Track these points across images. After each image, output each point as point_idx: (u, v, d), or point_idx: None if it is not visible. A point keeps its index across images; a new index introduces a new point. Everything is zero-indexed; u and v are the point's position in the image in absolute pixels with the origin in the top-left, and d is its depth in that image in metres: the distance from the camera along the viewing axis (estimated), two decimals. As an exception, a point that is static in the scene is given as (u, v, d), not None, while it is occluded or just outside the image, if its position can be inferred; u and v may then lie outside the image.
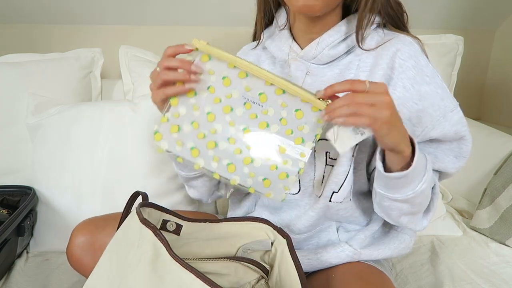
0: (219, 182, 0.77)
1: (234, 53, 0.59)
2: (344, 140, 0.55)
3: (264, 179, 0.60)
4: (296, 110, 0.58)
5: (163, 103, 0.58)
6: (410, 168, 0.55)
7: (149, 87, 0.59)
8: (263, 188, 0.60)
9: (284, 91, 0.57)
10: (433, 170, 0.68)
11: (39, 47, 1.39)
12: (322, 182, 0.69)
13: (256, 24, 0.77)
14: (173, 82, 0.56)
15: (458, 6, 1.50)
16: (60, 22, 1.39)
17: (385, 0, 0.66)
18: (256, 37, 0.78)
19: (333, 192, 0.68)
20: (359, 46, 0.65)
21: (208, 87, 0.58)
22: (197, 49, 0.56)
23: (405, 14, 0.69)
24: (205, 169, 0.60)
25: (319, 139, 0.62)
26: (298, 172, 0.60)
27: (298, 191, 0.72)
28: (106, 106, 1.01)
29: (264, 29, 0.75)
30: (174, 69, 0.55)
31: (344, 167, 0.65)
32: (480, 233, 1.06)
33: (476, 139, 1.24)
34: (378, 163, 0.58)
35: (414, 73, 0.63)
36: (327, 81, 0.67)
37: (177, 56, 0.57)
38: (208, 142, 0.59)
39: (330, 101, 0.54)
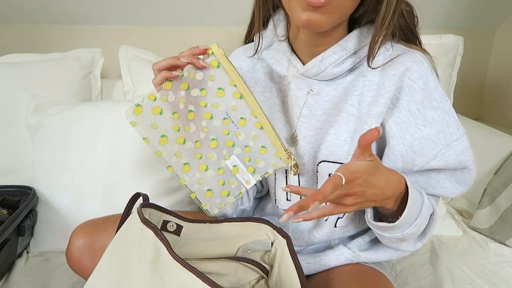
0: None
1: (228, 54, 0.60)
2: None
3: (208, 189, 0.66)
4: (262, 147, 0.64)
5: (159, 85, 0.59)
6: (397, 222, 0.56)
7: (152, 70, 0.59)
8: (203, 198, 0.66)
9: (262, 127, 0.62)
10: (434, 195, 0.67)
11: (39, 47, 1.39)
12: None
13: (250, 27, 0.72)
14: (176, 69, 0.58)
15: (458, 6, 1.50)
16: (60, 22, 1.39)
17: (402, 13, 0.61)
18: (248, 40, 0.75)
19: (338, 218, 0.69)
20: (369, 66, 0.60)
21: (202, 89, 0.60)
22: (212, 53, 0.58)
23: (416, 19, 0.63)
24: (164, 160, 0.63)
25: (321, 161, 0.64)
26: (238, 195, 0.67)
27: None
28: (106, 106, 1.01)
29: (260, 33, 0.68)
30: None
31: None
32: (480, 233, 1.06)
33: (476, 139, 1.25)
34: (368, 210, 0.60)
35: (422, 96, 0.59)
36: (329, 101, 0.64)
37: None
38: (178, 138, 0.62)
39: (292, 156, 0.64)
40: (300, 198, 0.70)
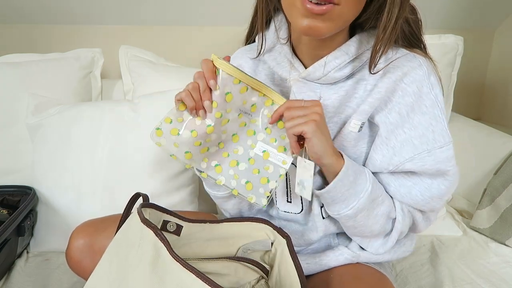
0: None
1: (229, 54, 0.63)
2: (304, 180, 0.62)
3: (247, 182, 0.64)
4: (279, 121, 0.63)
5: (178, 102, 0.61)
6: (325, 189, 0.60)
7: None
8: (246, 191, 0.64)
9: (273, 103, 0.62)
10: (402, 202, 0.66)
11: (39, 47, 1.39)
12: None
13: (252, 27, 0.72)
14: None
15: (458, 6, 1.50)
16: (60, 22, 1.39)
17: (407, 21, 0.61)
18: (250, 40, 0.75)
19: (321, 207, 0.69)
20: (370, 72, 0.60)
21: (212, 102, 0.60)
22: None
23: (420, 22, 0.63)
24: (195, 169, 0.64)
25: None
26: (279, 177, 0.64)
27: (301, 211, 0.72)
28: (106, 106, 1.01)
29: (263, 34, 0.67)
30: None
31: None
32: (480, 233, 1.06)
33: (476, 139, 1.25)
34: (316, 181, 0.64)
35: (413, 100, 0.60)
36: (331, 105, 0.64)
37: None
38: (202, 148, 0.63)
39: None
40: (301, 202, 0.71)
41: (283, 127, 0.62)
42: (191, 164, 0.64)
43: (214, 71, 0.59)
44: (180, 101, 0.60)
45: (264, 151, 0.64)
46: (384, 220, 0.64)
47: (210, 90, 0.59)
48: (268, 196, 0.64)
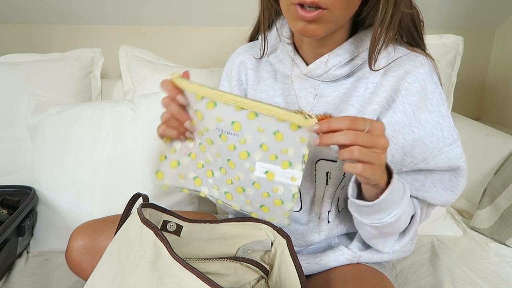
0: None
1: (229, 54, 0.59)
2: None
3: (261, 205, 0.57)
4: (275, 133, 0.52)
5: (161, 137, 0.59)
6: (376, 201, 0.54)
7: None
8: (265, 214, 0.58)
9: (257, 114, 0.52)
10: (417, 198, 0.66)
11: (39, 47, 1.39)
12: (321, 201, 0.69)
13: (256, 29, 0.74)
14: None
15: (458, 6, 1.50)
16: (60, 22, 1.39)
17: (404, 16, 0.60)
18: (253, 39, 0.76)
19: (328, 212, 0.69)
20: (371, 69, 0.60)
21: (191, 120, 0.56)
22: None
23: (422, 23, 0.64)
24: (209, 196, 0.61)
25: (319, 159, 0.61)
26: (293, 196, 0.55)
27: (300, 209, 0.72)
28: (106, 106, 1.01)
29: (266, 35, 0.69)
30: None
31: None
32: (480, 233, 1.06)
33: (476, 139, 1.25)
34: (350, 189, 0.58)
35: (418, 98, 0.59)
36: (332, 102, 0.65)
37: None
38: (207, 171, 0.59)
39: (309, 114, 0.49)
40: (300, 201, 0.71)
41: (282, 139, 0.52)
42: (204, 190, 0.60)
43: (177, 88, 0.53)
44: (163, 135, 0.58)
45: (266, 172, 0.54)
46: (409, 219, 0.64)
47: (184, 107, 0.55)
48: (288, 216, 0.57)
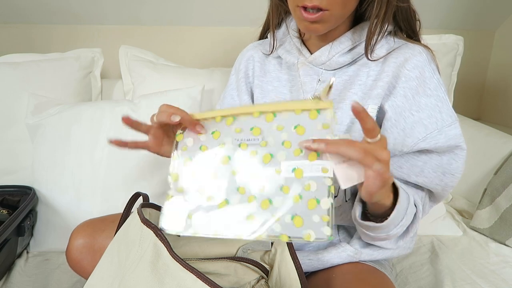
0: None
1: (237, 54, 0.60)
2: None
3: (293, 217, 0.48)
4: (296, 127, 0.51)
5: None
6: (384, 223, 0.56)
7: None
8: (297, 230, 0.47)
9: (275, 114, 0.52)
10: (419, 189, 0.67)
11: (39, 47, 1.39)
12: None
13: (265, 27, 0.81)
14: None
15: (458, 6, 1.50)
16: (60, 22, 1.39)
17: (400, 10, 0.66)
18: (263, 37, 0.82)
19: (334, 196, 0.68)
20: (368, 58, 0.65)
21: (200, 147, 0.56)
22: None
23: (418, 22, 0.69)
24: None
25: None
26: (329, 191, 0.47)
27: None
28: (106, 106, 1.01)
29: (274, 32, 0.76)
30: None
31: None
32: (480, 233, 1.06)
33: (476, 139, 1.25)
34: (357, 211, 0.60)
35: (417, 83, 0.63)
36: (334, 87, 0.68)
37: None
38: (219, 204, 0.52)
39: (320, 96, 0.49)
40: None
41: (304, 132, 0.50)
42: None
43: (181, 110, 0.55)
44: (170, 175, 0.58)
45: (294, 169, 0.49)
46: (411, 217, 0.63)
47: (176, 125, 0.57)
48: (328, 222, 0.47)
